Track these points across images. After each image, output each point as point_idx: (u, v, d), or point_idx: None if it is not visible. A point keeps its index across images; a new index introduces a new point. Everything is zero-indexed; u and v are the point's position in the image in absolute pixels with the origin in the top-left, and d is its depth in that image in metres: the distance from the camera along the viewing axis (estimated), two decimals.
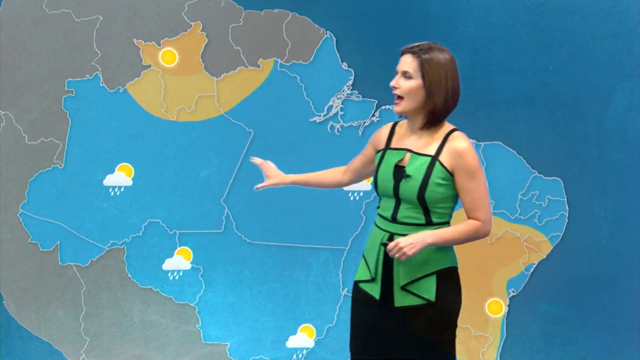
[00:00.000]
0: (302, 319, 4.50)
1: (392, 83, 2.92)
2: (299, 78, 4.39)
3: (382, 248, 2.93)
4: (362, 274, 3.05)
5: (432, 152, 2.89)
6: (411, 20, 4.35)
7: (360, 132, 4.41)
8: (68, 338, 4.46)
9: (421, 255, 2.89)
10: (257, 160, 3.31)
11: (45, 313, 4.45)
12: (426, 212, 2.89)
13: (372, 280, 2.99)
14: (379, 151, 3.04)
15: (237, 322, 4.50)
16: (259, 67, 4.39)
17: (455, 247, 4.45)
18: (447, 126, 2.95)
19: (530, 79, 4.38)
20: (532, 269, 4.47)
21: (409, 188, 2.87)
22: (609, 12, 4.35)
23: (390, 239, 2.92)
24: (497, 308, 4.50)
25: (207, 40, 4.37)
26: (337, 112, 4.41)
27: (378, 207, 3.03)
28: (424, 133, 2.94)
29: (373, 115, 4.40)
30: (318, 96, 4.40)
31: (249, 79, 4.39)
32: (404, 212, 2.91)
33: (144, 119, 4.39)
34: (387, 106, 4.39)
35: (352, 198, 4.44)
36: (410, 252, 2.81)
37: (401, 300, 2.93)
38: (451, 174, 2.87)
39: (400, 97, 2.91)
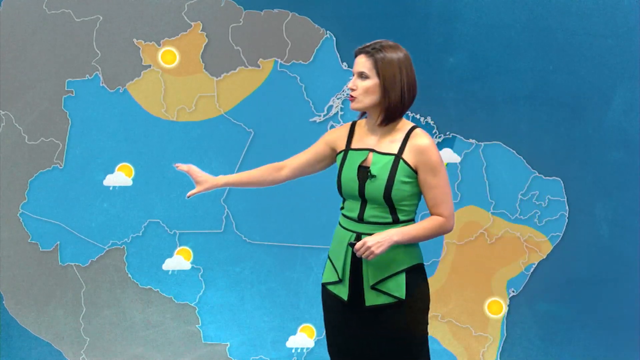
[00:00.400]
0: (302, 319, 4.51)
1: (349, 85, 2.94)
2: (299, 78, 4.39)
3: (349, 249, 2.94)
4: (329, 275, 3.05)
5: (395, 151, 2.91)
6: (411, 20, 4.35)
7: None
8: (68, 338, 4.46)
9: (389, 254, 2.90)
10: (182, 166, 3.21)
11: (45, 313, 4.45)
12: (392, 210, 2.91)
13: (340, 281, 2.99)
14: (339, 152, 3.04)
15: (237, 322, 4.50)
16: (259, 67, 4.39)
17: (454, 249, 4.46)
18: (407, 124, 2.97)
19: (530, 79, 4.38)
20: (532, 269, 4.47)
21: (375, 188, 2.89)
22: (609, 12, 4.35)
23: (357, 239, 2.93)
24: (497, 308, 4.50)
25: (207, 40, 4.37)
26: (337, 112, 4.41)
27: (342, 208, 3.03)
28: (385, 132, 2.95)
29: None
30: (318, 96, 4.40)
31: (249, 79, 4.39)
32: (371, 212, 2.93)
33: (144, 119, 4.39)
34: None
35: None
36: (377, 251, 2.82)
37: (372, 300, 2.94)
38: (415, 171, 2.89)
39: (357, 96, 2.93)
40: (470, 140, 4.42)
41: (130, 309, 4.47)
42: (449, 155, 4.42)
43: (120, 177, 4.42)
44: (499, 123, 4.40)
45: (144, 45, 4.37)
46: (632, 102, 4.39)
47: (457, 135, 4.42)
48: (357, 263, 2.95)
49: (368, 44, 2.93)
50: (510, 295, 4.50)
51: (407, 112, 4.39)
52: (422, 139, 2.89)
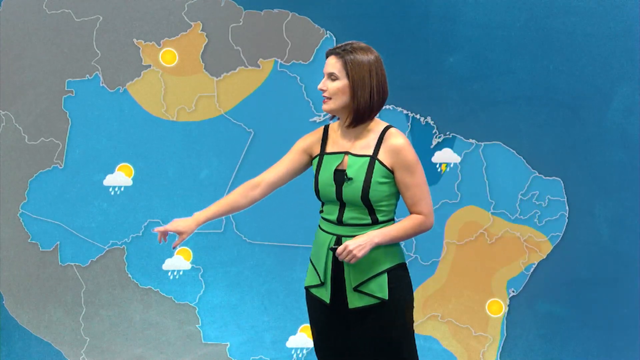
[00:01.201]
0: (302, 319, 4.50)
1: (320, 86, 2.94)
2: (299, 78, 4.39)
3: (330, 252, 2.94)
4: (311, 279, 3.05)
5: (370, 152, 2.90)
6: (411, 21, 4.35)
7: None
8: (68, 338, 4.46)
9: (370, 255, 2.89)
10: (159, 229, 3.08)
11: (45, 313, 4.45)
12: (371, 211, 2.90)
13: (322, 284, 2.99)
14: (315, 157, 3.03)
15: (237, 322, 4.50)
16: (259, 67, 4.39)
17: (454, 249, 4.46)
18: (381, 124, 2.96)
19: (530, 79, 4.38)
20: (532, 269, 4.47)
21: (352, 190, 2.88)
22: (609, 12, 4.35)
23: (338, 242, 2.93)
24: (497, 308, 4.50)
25: (207, 40, 4.37)
26: None
27: (321, 212, 3.03)
28: (358, 133, 2.95)
29: None
30: (318, 96, 4.40)
31: (249, 79, 4.39)
32: (350, 214, 2.92)
33: (144, 119, 4.39)
34: (387, 106, 4.39)
35: None
36: (359, 254, 2.82)
37: (354, 302, 2.93)
38: (391, 172, 2.89)
39: (328, 98, 2.93)
40: (470, 140, 4.42)
41: (130, 309, 4.47)
42: (449, 156, 4.42)
43: (120, 177, 4.42)
44: (499, 123, 4.40)
45: (144, 45, 4.37)
46: (632, 102, 4.38)
47: (457, 135, 4.42)
48: (338, 265, 2.94)
49: (340, 44, 2.94)
50: (510, 295, 4.49)
51: (408, 112, 4.41)
52: (396, 139, 2.89)
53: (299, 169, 3.10)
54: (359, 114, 2.90)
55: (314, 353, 4.50)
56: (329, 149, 2.99)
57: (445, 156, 4.40)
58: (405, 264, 3.00)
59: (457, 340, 4.51)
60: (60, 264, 4.43)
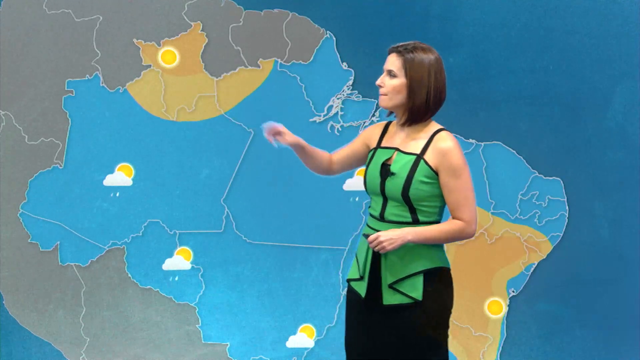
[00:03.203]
0: (302, 319, 4.51)
1: (378, 82, 2.98)
2: (299, 78, 4.39)
3: (371, 248, 2.95)
4: (353, 272, 3.08)
5: (418, 151, 2.92)
6: (411, 20, 4.35)
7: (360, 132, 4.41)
8: (68, 338, 4.46)
9: (408, 254, 2.91)
10: (276, 127, 3.08)
11: (45, 313, 4.45)
12: (412, 210, 2.92)
13: (361, 278, 3.01)
14: (371, 150, 3.07)
15: (237, 322, 4.50)
16: (259, 67, 4.39)
17: (454, 249, 4.46)
18: (435, 126, 2.98)
19: (530, 79, 4.38)
20: (532, 269, 4.47)
21: (394, 186, 2.90)
22: (609, 12, 4.35)
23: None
24: (497, 308, 4.50)
25: (207, 40, 4.37)
26: (337, 112, 4.41)
27: (369, 207, 3.06)
28: (411, 132, 2.97)
29: (373, 115, 4.41)
30: (318, 96, 4.40)
31: (249, 79, 4.39)
32: (391, 210, 2.94)
33: (144, 119, 4.39)
34: None
35: (352, 198, 4.44)
36: (389, 247, 2.85)
37: (389, 298, 2.94)
38: (436, 173, 2.90)
39: (384, 94, 2.96)
40: (470, 140, 4.42)
41: (130, 309, 4.47)
42: None
43: (120, 177, 4.42)
44: (499, 123, 4.40)
45: (144, 45, 4.37)
46: (632, 102, 4.39)
47: (457, 135, 4.42)
48: (376, 261, 2.96)
49: (402, 43, 2.97)
50: (510, 295, 4.50)
51: None
52: (445, 141, 2.90)
53: (358, 157, 3.14)
54: (413, 114, 2.93)
55: (314, 353, 4.51)
56: (383, 144, 3.04)
57: None
58: (447, 269, 2.99)
59: (457, 340, 4.51)
60: (60, 264, 4.43)
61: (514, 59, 4.37)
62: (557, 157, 4.42)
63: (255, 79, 4.39)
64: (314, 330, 4.51)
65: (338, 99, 4.41)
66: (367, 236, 2.91)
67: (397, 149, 2.97)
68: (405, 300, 2.92)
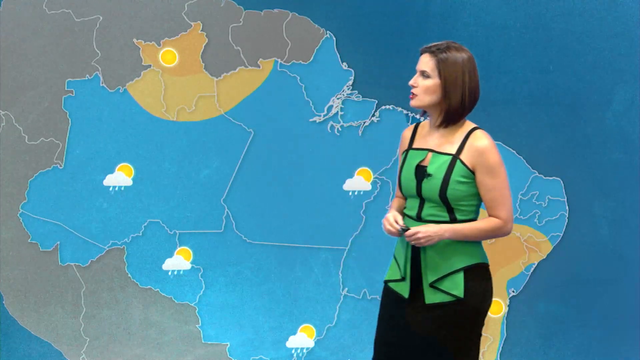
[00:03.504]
0: (302, 319, 4.50)
1: (411, 82, 2.97)
2: (299, 78, 4.39)
3: (410, 247, 2.96)
4: (392, 273, 3.07)
5: (453, 151, 2.92)
6: (411, 20, 4.35)
7: (360, 132, 4.41)
8: (68, 338, 4.46)
9: (448, 251, 2.92)
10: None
11: (45, 313, 4.45)
12: (450, 210, 2.92)
13: (402, 279, 3.01)
14: (403, 152, 3.08)
15: (237, 322, 4.50)
16: (259, 67, 4.39)
17: None
18: (469, 125, 2.98)
19: (530, 79, 4.38)
20: (532, 269, 4.47)
21: (431, 187, 2.91)
22: (609, 12, 4.35)
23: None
24: (497, 308, 4.50)
25: (207, 40, 4.37)
26: (337, 112, 4.41)
27: (404, 208, 3.06)
28: (445, 132, 2.97)
29: (373, 115, 4.41)
30: (318, 96, 4.40)
31: (249, 79, 4.39)
32: (428, 211, 2.95)
33: (144, 119, 4.39)
34: (387, 106, 4.40)
35: (352, 198, 4.44)
36: (426, 243, 2.87)
37: (431, 297, 2.95)
38: (472, 172, 2.90)
39: (415, 94, 2.96)
40: None
41: (130, 309, 4.47)
42: None
43: (120, 177, 4.42)
44: (498, 123, 4.40)
45: (144, 45, 4.37)
46: (632, 102, 4.39)
47: None
48: (417, 261, 2.97)
49: (434, 43, 2.96)
50: (510, 295, 4.49)
51: (408, 112, 4.41)
52: (481, 140, 2.91)
53: None
54: (449, 114, 2.93)
55: (314, 353, 4.51)
56: (415, 145, 3.03)
57: None
58: (486, 264, 3.00)
59: None
60: (60, 264, 4.43)
61: (514, 59, 4.37)
62: (557, 157, 4.42)
63: (255, 79, 4.39)
64: (314, 330, 4.51)
65: (338, 99, 4.41)
66: (404, 231, 2.91)
67: (431, 150, 2.97)
68: (447, 299, 2.92)
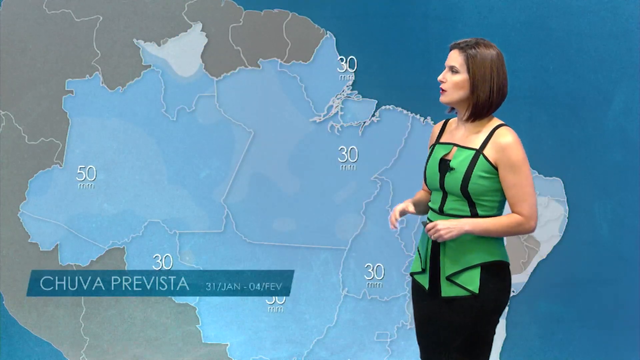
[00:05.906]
0: (302, 319, 4.50)
1: (440, 77, 3.00)
2: (299, 78, 4.39)
3: (431, 240, 2.99)
4: (416, 265, 3.11)
5: (477, 146, 2.94)
6: (411, 20, 4.35)
7: (360, 132, 4.41)
8: (68, 338, 4.46)
9: (468, 246, 2.93)
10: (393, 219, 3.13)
11: (45, 313, 4.45)
12: (471, 204, 2.94)
13: (423, 271, 3.05)
14: (430, 146, 3.11)
15: (237, 322, 4.50)
16: (259, 67, 4.39)
17: None
18: (495, 121, 3.01)
19: (530, 79, 4.38)
20: (532, 269, 4.47)
21: (453, 180, 2.93)
22: (609, 12, 4.35)
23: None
24: None
25: (207, 40, 4.37)
26: (337, 112, 4.41)
27: (429, 202, 3.08)
28: (472, 127, 2.99)
29: (373, 115, 4.40)
30: (318, 96, 4.40)
31: (249, 79, 4.39)
32: (451, 204, 2.96)
33: (144, 119, 4.39)
34: (387, 106, 4.39)
35: (352, 198, 4.43)
36: (446, 236, 2.88)
37: (447, 290, 2.97)
38: (495, 168, 2.92)
39: (445, 90, 2.99)
40: None
41: (130, 309, 4.47)
42: None
43: (120, 177, 4.42)
44: None
45: (144, 45, 4.37)
46: (632, 102, 4.38)
47: None
48: (436, 253, 2.99)
49: (463, 39, 2.99)
50: (510, 295, 4.49)
51: (408, 112, 4.41)
52: (505, 137, 2.93)
53: None
54: (477, 109, 2.95)
55: (314, 353, 4.51)
56: (442, 140, 3.07)
57: None
58: (506, 263, 3.00)
59: None
60: (60, 264, 4.43)
61: (513, 59, 4.37)
62: (557, 157, 4.42)
63: (255, 79, 4.39)
64: (314, 330, 4.51)
65: (338, 99, 4.40)
66: (425, 224, 2.93)
67: (455, 144, 2.99)
68: (462, 293, 2.94)
